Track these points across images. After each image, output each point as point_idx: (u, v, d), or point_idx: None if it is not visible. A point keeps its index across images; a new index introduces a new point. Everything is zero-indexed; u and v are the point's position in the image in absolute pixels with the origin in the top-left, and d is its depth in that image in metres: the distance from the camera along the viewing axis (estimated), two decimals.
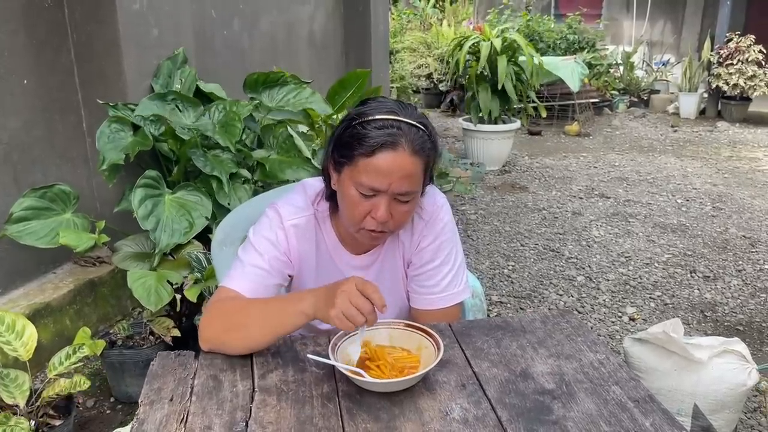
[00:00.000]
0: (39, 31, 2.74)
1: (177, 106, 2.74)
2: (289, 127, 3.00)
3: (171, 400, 1.12)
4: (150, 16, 2.94)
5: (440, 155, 1.46)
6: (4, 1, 2.58)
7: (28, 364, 2.02)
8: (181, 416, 1.08)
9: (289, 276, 1.43)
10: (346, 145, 1.25)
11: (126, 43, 2.83)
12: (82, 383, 2.05)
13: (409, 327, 1.26)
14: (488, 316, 3.17)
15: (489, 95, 5.73)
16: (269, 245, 1.36)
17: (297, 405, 1.11)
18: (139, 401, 1.12)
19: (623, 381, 1.18)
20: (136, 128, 2.66)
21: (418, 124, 1.24)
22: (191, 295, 2.31)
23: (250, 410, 1.09)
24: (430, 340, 1.21)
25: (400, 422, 1.06)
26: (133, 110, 2.68)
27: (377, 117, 1.23)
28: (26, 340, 2.01)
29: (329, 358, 1.16)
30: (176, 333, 2.39)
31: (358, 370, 1.14)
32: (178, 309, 2.52)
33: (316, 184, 1.44)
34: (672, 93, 9.09)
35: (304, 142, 3.00)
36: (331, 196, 1.37)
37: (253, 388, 1.16)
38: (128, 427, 1.84)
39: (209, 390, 1.15)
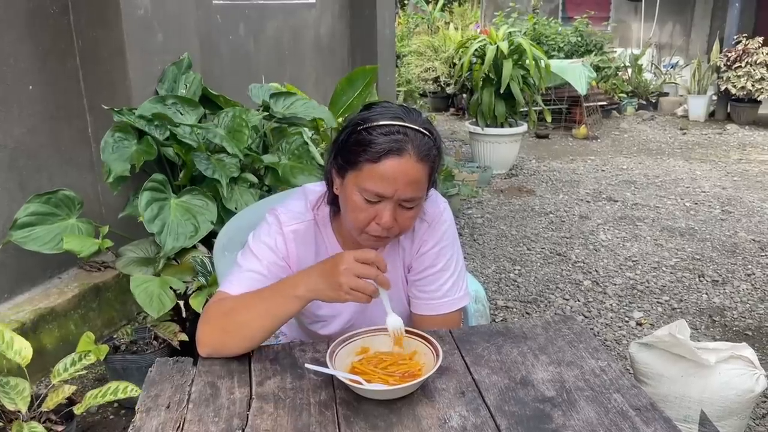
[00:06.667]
0: (44, 37, 2.75)
1: (178, 111, 2.75)
2: (303, 133, 3.00)
3: (168, 407, 1.12)
4: (155, 21, 2.95)
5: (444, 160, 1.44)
6: (9, 7, 2.60)
7: (26, 371, 2.02)
8: (177, 423, 1.07)
9: None
10: (350, 150, 1.24)
11: (131, 48, 2.84)
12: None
13: (407, 333, 1.24)
14: (493, 321, 3.15)
15: (493, 98, 5.72)
16: (268, 251, 1.35)
17: (294, 412, 1.10)
18: (136, 408, 1.12)
19: (625, 388, 1.16)
20: (140, 135, 2.66)
21: (423, 130, 1.24)
22: (196, 305, 2.30)
23: (247, 417, 1.09)
24: (429, 346, 1.20)
25: (397, 430, 1.05)
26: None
27: (383, 123, 1.21)
28: (18, 349, 2.02)
29: (327, 366, 1.15)
30: (183, 337, 2.39)
31: (357, 377, 1.13)
32: (182, 314, 2.52)
33: (317, 189, 1.44)
34: (681, 96, 9.03)
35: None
36: (333, 200, 1.37)
37: (251, 395, 1.15)
38: None
39: (206, 397, 1.15)
